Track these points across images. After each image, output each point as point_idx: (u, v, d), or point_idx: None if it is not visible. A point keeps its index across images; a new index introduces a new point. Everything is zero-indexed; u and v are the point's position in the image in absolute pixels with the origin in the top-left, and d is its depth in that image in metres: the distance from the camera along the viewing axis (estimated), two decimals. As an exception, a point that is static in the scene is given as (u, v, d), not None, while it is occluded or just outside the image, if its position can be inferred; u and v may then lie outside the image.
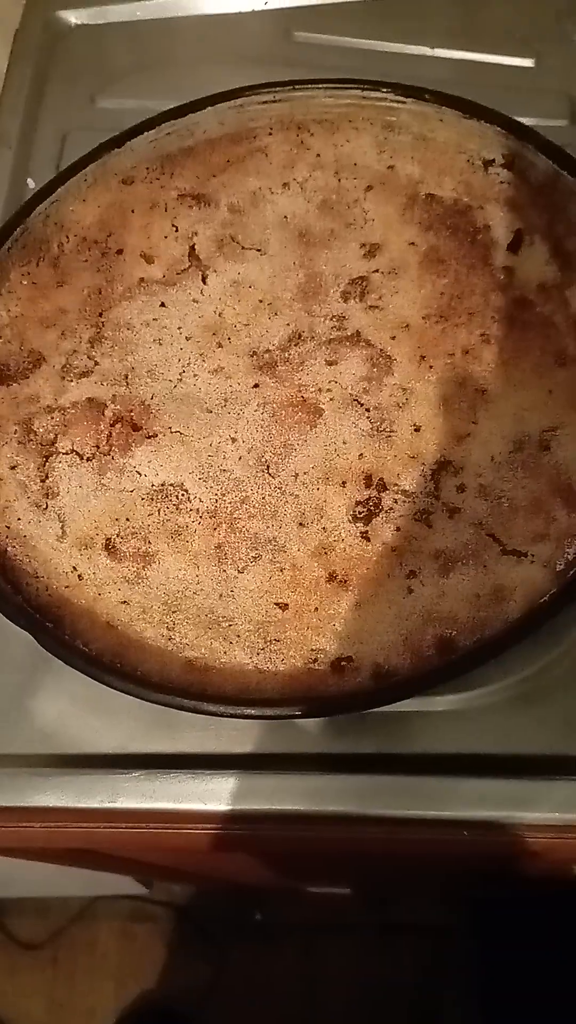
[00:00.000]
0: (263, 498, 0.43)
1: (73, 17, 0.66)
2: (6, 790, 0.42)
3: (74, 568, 0.43)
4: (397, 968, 1.05)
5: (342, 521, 0.43)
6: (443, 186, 0.49)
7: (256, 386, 0.46)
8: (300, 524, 0.43)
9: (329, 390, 0.45)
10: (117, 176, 0.51)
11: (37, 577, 0.43)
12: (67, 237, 0.50)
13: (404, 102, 0.50)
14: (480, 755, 0.42)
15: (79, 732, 0.44)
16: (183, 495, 0.44)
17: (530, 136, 0.48)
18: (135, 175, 0.51)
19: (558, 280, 0.46)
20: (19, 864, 0.65)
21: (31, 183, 0.59)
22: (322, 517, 0.43)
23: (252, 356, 0.47)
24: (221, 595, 0.42)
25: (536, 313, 0.45)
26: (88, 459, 0.45)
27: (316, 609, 0.41)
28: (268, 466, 0.44)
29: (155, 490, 0.44)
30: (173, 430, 0.45)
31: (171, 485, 0.44)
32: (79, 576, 0.43)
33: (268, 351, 0.47)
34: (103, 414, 0.46)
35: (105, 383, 0.47)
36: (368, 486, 0.43)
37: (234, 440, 0.45)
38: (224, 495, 0.44)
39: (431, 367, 0.45)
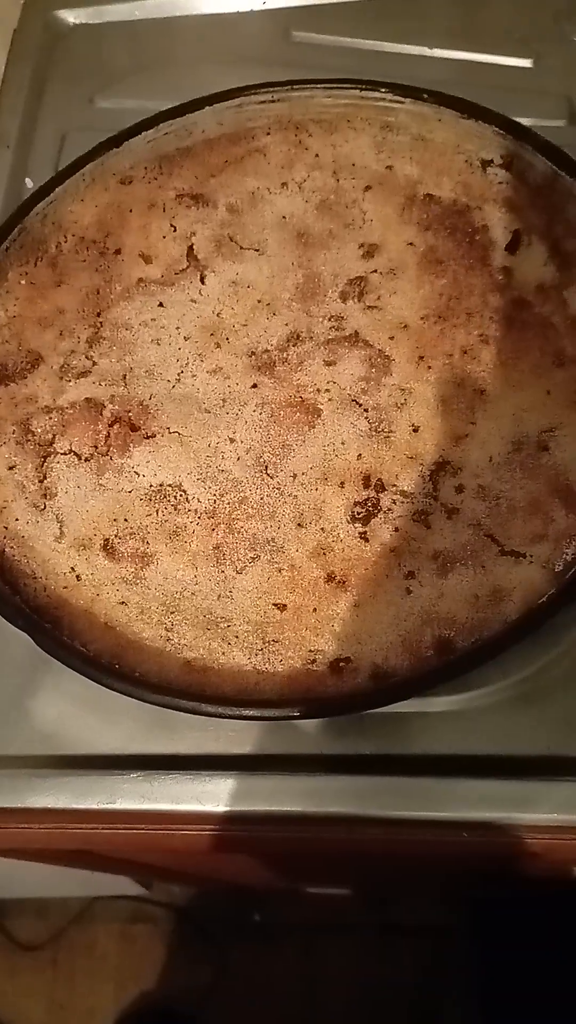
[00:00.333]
0: (261, 499, 0.43)
1: (72, 17, 0.66)
2: (5, 791, 0.42)
3: (72, 569, 0.43)
4: (397, 968, 1.05)
5: (340, 522, 0.43)
6: (441, 186, 0.49)
7: (254, 386, 0.46)
8: (298, 525, 0.43)
9: (327, 390, 0.45)
10: (115, 176, 0.51)
11: (35, 578, 0.43)
12: (65, 237, 0.50)
13: (402, 102, 0.50)
14: (479, 756, 0.42)
15: (78, 733, 0.44)
16: (181, 495, 0.44)
17: (528, 137, 0.48)
18: (133, 175, 0.51)
19: (556, 281, 0.46)
20: (18, 864, 0.65)
21: (29, 183, 0.59)
22: (320, 518, 0.43)
23: (250, 356, 0.47)
24: (219, 596, 0.42)
25: (534, 314, 0.45)
26: (86, 459, 0.45)
27: (315, 610, 0.41)
28: (266, 466, 0.44)
29: (153, 490, 0.44)
30: (171, 430, 0.45)
31: (169, 485, 0.44)
32: (77, 577, 0.42)
33: (266, 351, 0.47)
34: (101, 414, 0.46)
35: (103, 383, 0.47)
36: (366, 487, 0.43)
37: (232, 440, 0.45)
38: (222, 495, 0.44)
39: (429, 367, 0.45)
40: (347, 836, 0.42)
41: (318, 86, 0.51)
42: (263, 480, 0.44)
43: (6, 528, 0.44)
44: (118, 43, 0.65)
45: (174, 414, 0.46)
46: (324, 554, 0.42)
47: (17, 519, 0.44)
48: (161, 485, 0.44)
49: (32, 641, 0.41)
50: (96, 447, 0.45)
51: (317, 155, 0.51)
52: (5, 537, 0.43)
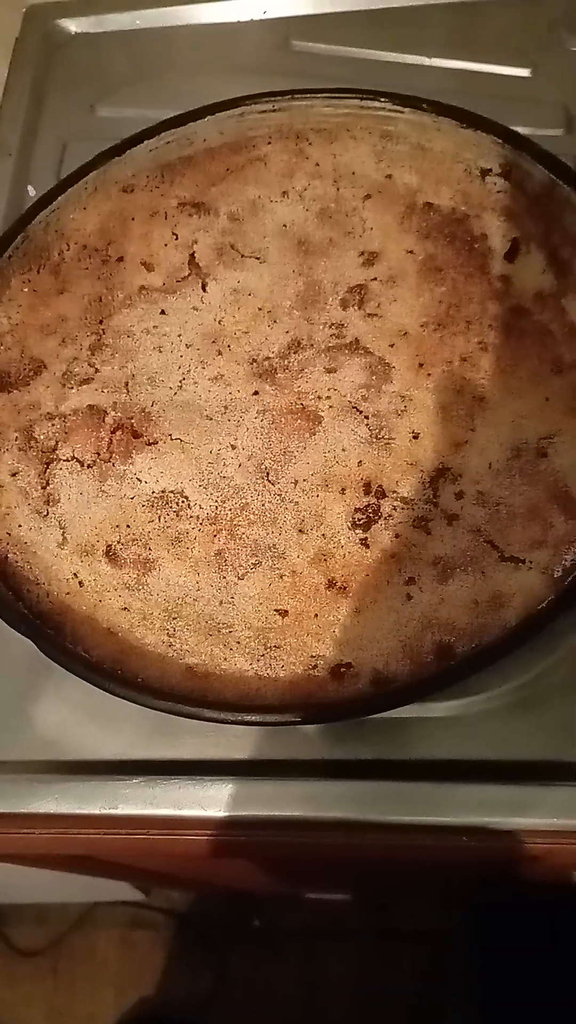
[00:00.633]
0: (263, 505, 0.44)
1: (73, 26, 0.66)
2: (7, 796, 0.42)
3: (75, 575, 0.43)
4: (397, 973, 1.05)
5: (341, 528, 0.43)
6: (441, 195, 0.50)
7: (256, 393, 0.46)
8: (300, 531, 0.43)
9: (328, 397, 0.46)
10: (117, 184, 0.52)
11: (38, 584, 0.43)
12: (68, 245, 0.51)
13: (402, 111, 0.51)
14: (478, 761, 0.42)
15: (80, 739, 0.44)
16: (183, 502, 0.44)
17: (526, 146, 0.48)
18: (135, 183, 0.52)
19: (554, 289, 0.46)
20: (18, 870, 0.65)
21: (32, 191, 0.59)
22: (321, 524, 0.43)
23: (252, 363, 0.47)
24: (221, 601, 0.42)
25: (533, 321, 0.46)
26: (89, 466, 0.45)
27: (316, 615, 0.41)
28: (268, 473, 0.44)
29: (155, 497, 0.44)
30: (173, 437, 0.46)
31: (171, 492, 0.44)
32: (80, 583, 0.43)
33: (268, 359, 0.47)
34: (104, 421, 0.46)
35: (106, 390, 0.47)
36: (367, 493, 0.43)
37: (234, 447, 0.45)
38: (224, 502, 0.44)
39: (429, 375, 0.46)
40: (347, 841, 0.42)
41: (318, 95, 0.52)
42: (264, 487, 0.44)
43: (9, 534, 0.44)
44: (119, 52, 0.66)
45: (176, 421, 0.46)
46: (325, 560, 0.42)
47: (20, 525, 0.44)
48: (163, 491, 0.44)
49: (35, 647, 0.41)
50: (98, 454, 0.45)
51: (317, 164, 0.51)
52: (8, 543, 0.44)
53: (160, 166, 0.52)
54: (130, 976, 1.12)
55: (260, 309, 0.48)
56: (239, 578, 0.42)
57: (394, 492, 0.43)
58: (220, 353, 0.47)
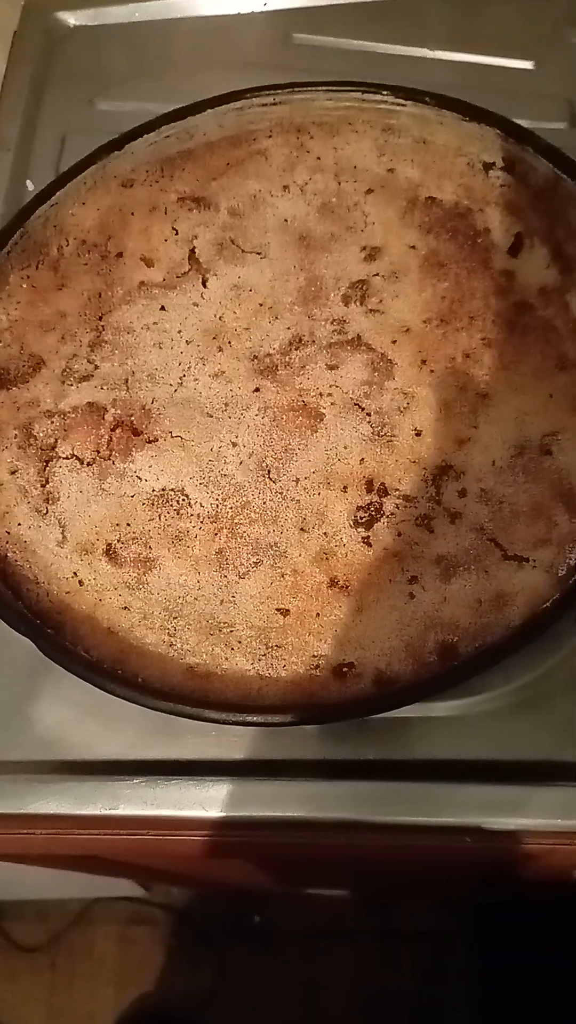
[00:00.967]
0: (264, 503, 0.43)
1: (72, 19, 0.66)
2: (7, 797, 0.42)
3: (75, 574, 0.43)
4: (397, 973, 1.05)
5: (343, 526, 0.42)
6: (443, 189, 0.49)
7: (257, 390, 0.46)
8: (301, 529, 0.43)
9: (330, 394, 0.45)
10: (117, 179, 0.51)
11: (37, 583, 0.42)
12: (67, 240, 0.50)
13: (404, 105, 0.50)
14: (480, 761, 0.42)
15: (80, 739, 0.44)
16: (184, 500, 0.44)
17: (530, 139, 0.48)
18: (135, 178, 0.51)
19: (558, 284, 0.46)
20: (17, 868, 0.65)
21: (30, 185, 0.59)
22: (323, 522, 0.43)
23: (253, 360, 0.47)
24: (222, 601, 0.42)
25: (537, 317, 0.45)
26: (88, 464, 0.45)
27: (317, 615, 0.41)
28: (269, 471, 0.44)
29: (156, 495, 0.44)
30: (174, 434, 0.45)
31: (172, 490, 0.44)
32: (80, 582, 0.42)
33: (269, 355, 0.47)
34: (103, 418, 0.46)
35: (105, 387, 0.46)
36: (369, 491, 0.43)
37: (235, 445, 0.45)
38: (225, 500, 0.44)
39: (432, 371, 0.45)
40: (348, 841, 0.42)
41: (319, 89, 0.51)
42: (266, 484, 0.44)
43: (8, 533, 0.44)
44: (118, 45, 0.65)
45: (176, 418, 0.45)
46: (327, 559, 0.42)
47: (19, 524, 0.44)
48: (163, 489, 0.44)
49: (34, 646, 0.41)
50: (98, 451, 0.45)
51: (319, 158, 0.51)
52: (7, 542, 0.43)
53: (160, 160, 0.52)
54: (129, 973, 1.12)
55: (261, 305, 0.48)
56: (240, 577, 0.42)
57: (396, 490, 0.43)
58: (221, 349, 0.47)
